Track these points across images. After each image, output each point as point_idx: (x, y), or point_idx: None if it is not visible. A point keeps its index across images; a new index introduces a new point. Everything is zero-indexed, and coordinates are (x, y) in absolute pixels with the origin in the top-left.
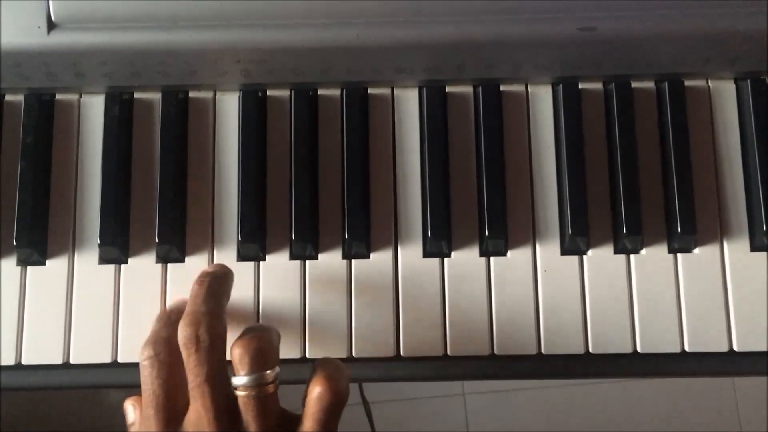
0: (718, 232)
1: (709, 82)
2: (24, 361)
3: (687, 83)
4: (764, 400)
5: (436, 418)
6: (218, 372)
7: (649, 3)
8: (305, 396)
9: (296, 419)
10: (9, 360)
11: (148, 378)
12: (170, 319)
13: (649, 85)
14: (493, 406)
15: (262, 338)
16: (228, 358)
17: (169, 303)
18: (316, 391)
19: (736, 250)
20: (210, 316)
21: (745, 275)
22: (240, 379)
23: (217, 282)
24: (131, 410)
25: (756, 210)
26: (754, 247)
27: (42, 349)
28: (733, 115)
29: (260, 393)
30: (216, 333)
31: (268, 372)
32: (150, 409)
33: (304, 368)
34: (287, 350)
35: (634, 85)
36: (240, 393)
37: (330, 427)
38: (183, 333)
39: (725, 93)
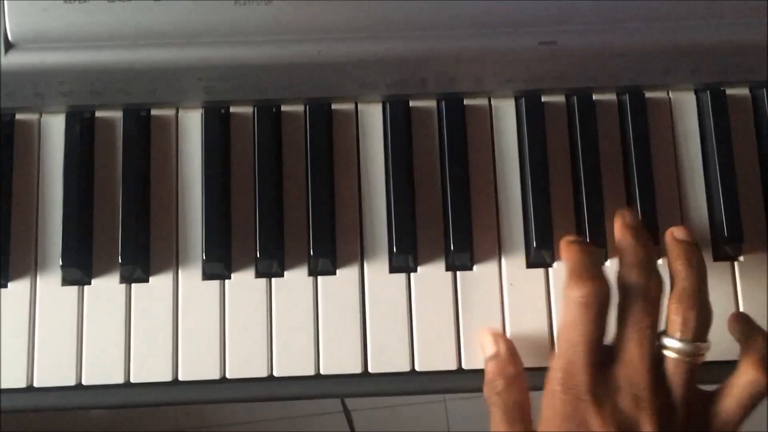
0: None
1: (670, 93)
2: None
3: (648, 95)
4: None
5: (418, 425)
6: (655, 327)
7: (607, 17)
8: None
9: (708, 396)
10: None
11: (580, 318)
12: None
13: (611, 97)
14: (475, 411)
15: (708, 310)
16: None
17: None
18: (751, 374)
19: None
20: (656, 271)
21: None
22: (676, 343)
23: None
24: (490, 343)
25: (717, 219)
26: (717, 257)
27: (5, 373)
28: (694, 126)
29: (693, 361)
30: (662, 288)
31: (705, 344)
32: (579, 348)
33: (263, 386)
34: (245, 369)
35: (595, 97)
36: (670, 355)
37: (748, 414)
38: (636, 277)
39: (686, 104)
